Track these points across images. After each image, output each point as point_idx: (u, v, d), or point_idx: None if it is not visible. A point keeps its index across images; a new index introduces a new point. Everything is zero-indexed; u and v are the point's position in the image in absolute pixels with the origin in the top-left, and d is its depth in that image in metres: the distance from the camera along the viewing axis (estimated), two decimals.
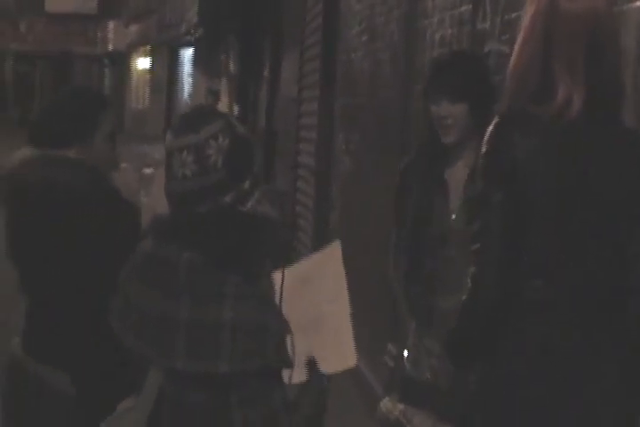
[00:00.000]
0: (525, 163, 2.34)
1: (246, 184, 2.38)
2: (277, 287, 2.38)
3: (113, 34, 39.08)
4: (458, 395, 3.28)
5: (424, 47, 5.25)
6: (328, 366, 2.50)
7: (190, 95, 24.08)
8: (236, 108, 16.27)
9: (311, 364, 2.47)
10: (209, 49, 19.88)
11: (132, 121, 32.85)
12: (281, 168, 11.82)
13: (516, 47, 2.46)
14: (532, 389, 2.37)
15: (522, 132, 2.36)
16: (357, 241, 6.49)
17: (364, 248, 6.05)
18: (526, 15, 2.47)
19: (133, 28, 33.67)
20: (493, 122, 2.41)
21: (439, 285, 3.37)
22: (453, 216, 3.37)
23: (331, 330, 2.54)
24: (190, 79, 24.97)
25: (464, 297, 2.42)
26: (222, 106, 17.28)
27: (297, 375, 2.42)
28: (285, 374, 2.40)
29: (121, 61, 37.83)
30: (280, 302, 2.38)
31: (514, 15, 3.77)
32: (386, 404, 3.50)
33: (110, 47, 39.55)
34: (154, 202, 2.64)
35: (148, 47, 31.99)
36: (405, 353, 3.48)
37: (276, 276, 2.39)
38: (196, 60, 23.48)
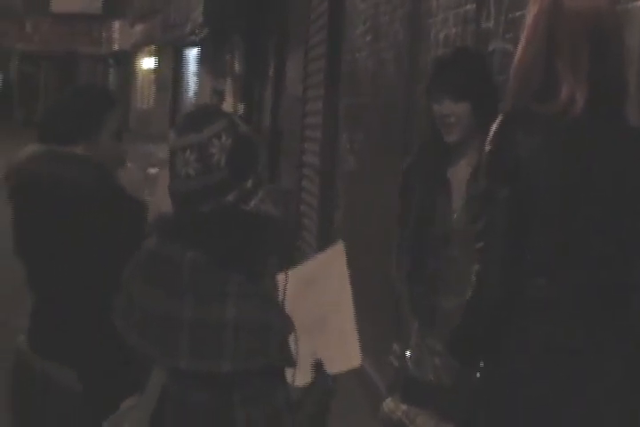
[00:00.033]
0: (529, 161, 2.34)
1: (249, 183, 2.38)
2: (281, 288, 2.38)
3: (118, 34, 39.13)
4: (461, 395, 3.28)
5: (428, 46, 5.24)
6: (333, 367, 2.50)
7: (195, 95, 24.09)
8: (241, 108, 16.27)
9: (317, 365, 2.46)
10: (214, 49, 19.89)
11: (137, 121, 32.88)
12: (286, 167, 11.83)
13: (520, 46, 2.46)
14: (536, 387, 2.37)
15: (525, 131, 2.36)
16: (361, 240, 6.49)
17: (368, 248, 6.04)
18: (530, 14, 2.47)
19: (138, 28, 33.69)
20: (497, 120, 2.41)
21: (442, 285, 3.36)
22: (455, 216, 3.36)
23: (335, 330, 2.53)
24: (195, 79, 24.99)
25: (468, 295, 2.42)
26: (227, 105, 17.29)
27: (301, 377, 2.42)
28: (289, 374, 2.39)
29: (126, 61, 37.86)
30: (283, 302, 2.37)
31: (518, 14, 3.77)
32: (389, 404, 3.50)
33: (115, 47, 39.59)
34: (158, 201, 2.64)
35: (153, 47, 32.01)
36: (408, 353, 3.48)
37: (280, 276, 2.39)
38: (201, 60, 23.49)
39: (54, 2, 40.63)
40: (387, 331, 4.49)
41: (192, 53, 25.67)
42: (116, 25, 39.31)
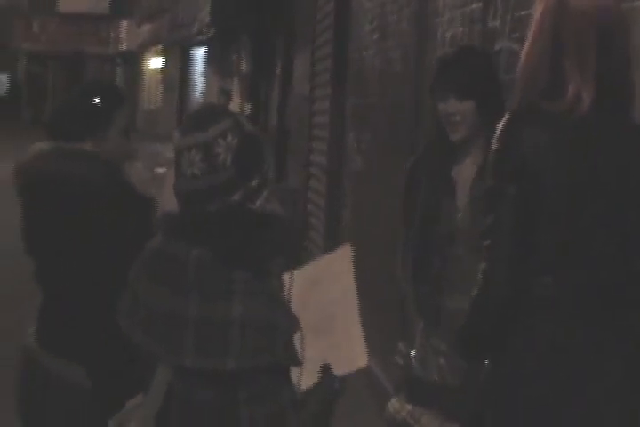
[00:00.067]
0: (536, 159, 2.34)
1: (255, 182, 2.38)
2: (287, 287, 2.38)
3: (125, 34, 39.17)
4: (466, 395, 3.27)
5: (435, 46, 5.24)
6: (339, 368, 2.50)
7: (203, 95, 24.10)
8: (248, 108, 16.28)
9: (324, 366, 2.47)
10: (221, 48, 19.90)
11: (145, 120, 32.91)
12: (293, 167, 11.83)
13: (526, 44, 2.46)
14: (541, 386, 2.37)
15: (532, 129, 2.36)
16: (368, 240, 6.49)
17: (375, 247, 6.04)
18: (536, 13, 2.47)
19: (146, 28, 33.72)
20: (504, 118, 2.41)
21: (447, 284, 3.36)
22: (460, 215, 3.35)
23: (341, 331, 2.53)
24: (202, 79, 25.00)
25: (474, 293, 2.42)
26: (234, 105, 17.30)
27: (307, 380, 2.42)
28: (295, 376, 2.39)
29: (133, 61, 37.89)
30: (289, 301, 2.38)
31: (524, 13, 3.76)
32: (394, 404, 3.49)
33: (123, 47, 39.64)
34: (165, 200, 2.64)
35: (161, 47, 32.04)
36: (413, 353, 3.48)
37: (286, 276, 2.39)
38: (209, 60, 23.51)
39: (61, 2, 40.69)
40: (393, 331, 4.49)
41: (199, 53, 25.68)
42: (124, 25, 39.35)
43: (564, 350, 2.37)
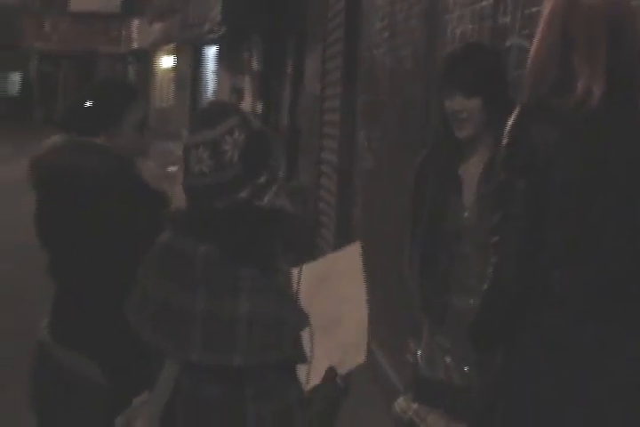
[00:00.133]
0: (546, 153, 2.34)
1: (263, 179, 2.38)
2: (295, 282, 2.38)
3: (137, 32, 39.22)
4: (472, 394, 3.27)
5: (445, 43, 5.22)
6: (342, 366, 2.50)
7: (214, 93, 24.12)
8: (259, 106, 16.29)
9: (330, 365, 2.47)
10: (232, 47, 19.91)
11: (157, 119, 32.95)
12: (304, 165, 11.83)
13: (536, 40, 2.46)
14: (548, 383, 2.37)
15: (542, 124, 2.36)
16: (379, 238, 6.48)
17: (386, 245, 6.03)
18: (545, 8, 2.46)
19: (157, 27, 33.76)
20: (514, 113, 2.41)
21: (454, 282, 3.35)
22: (467, 212, 3.35)
23: (347, 330, 2.54)
24: (214, 77, 25.02)
25: (485, 288, 2.42)
26: (246, 104, 17.31)
27: (315, 378, 2.42)
28: (302, 374, 2.40)
29: (145, 60, 37.94)
30: (297, 296, 2.38)
31: (534, 10, 3.75)
32: (400, 403, 3.49)
33: (134, 46, 39.68)
34: (177, 199, 2.64)
35: (172, 45, 32.07)
36: (419, 352, 3.47)
37: (294, 271, 2.39)
38: (220, 59, 23.52)
39: (73, 1, 40.79)
40: (404, 328, 4.49)
41: (211, 52, 25.70)
42: (135, 23, 39.40)
43: (568, 349, 2.36)
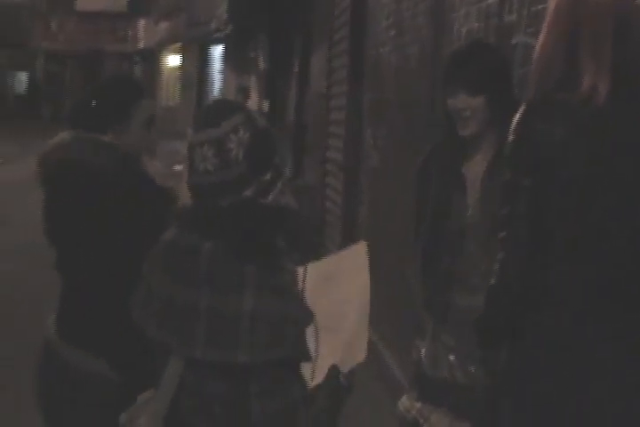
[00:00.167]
0: (551, 150, 2.33)
1: (267, 176, 2.38)
2: (300, 280, 2.38)
3: (143, 32, 39.27)
4: (475, 392, 3.27)
5: (451, 41, 5.22)
6: (344, 364, 2.51)
7: (220, 92, 24.13)
8: (265, 105, 16.30)
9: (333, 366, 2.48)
10: (238, 46, 19.91)
11: (163, 118, 32.97)
12: (310, 164, 11.83)
13: (541, 35, 2.45)
14: (548, 384, 2.36)
15: (548, 120, 2.35)
16: (385, 237, 6.47)
17: (392, 244, 6.03)
18: (551, 3, 2.46)
19: (163, 26, 33.79)
20: (520, 110, 2.40)
21: (457, 281, 3.35)
22: (470, 210, 3.34)
23: (350, 329, 2.54)
24: (220, 76, 25.03)
25: (491, 283, 2.41)
26: (252, 103, 17.32)
27: (318, 376, 2.42)
28: (307, 372, 2.39)
29: (151, 59, 37.98)
30: (302, 294, 2.38)
31: (540, 7, 3.74)
32: (404, 402, 3.49)
33: (140, 45, 39.73)
34: (184, 198, 2.65)
35: (178, 44, 32.09)
36: (423, 350, 3.46)
37: (300, 269, 2.39)
38: (226, 58, 23.53)
39: (79, 0, 40.86)
40: (409, 327, 4.48)
41: (217, 51, 25.72)
42: (141, 23, 39.44)
43: (568, 349, 2.35)
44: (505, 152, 2.44)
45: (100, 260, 3.08)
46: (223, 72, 24.36)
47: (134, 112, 3.18)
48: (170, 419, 2.43)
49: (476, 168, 3.35)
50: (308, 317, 2.35)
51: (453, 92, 3.32)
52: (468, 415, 3.29)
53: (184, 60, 31.86)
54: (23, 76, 44.19)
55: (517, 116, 2.40)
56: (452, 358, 3.36)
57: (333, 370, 2.49)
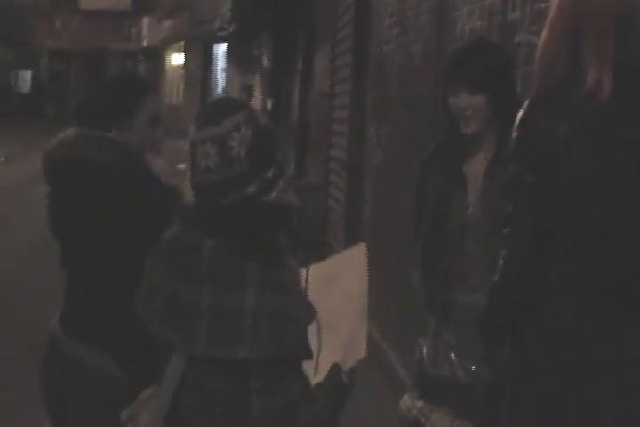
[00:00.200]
0: (556, 146, 2.33)
1: (270, 174, 2.38)
2: (302, 281, 2.39)
3: (147, 30, 39.30)
4: (477, 391, 3.27)
5: (454, 39, 5.21)
6: (345, 362, 2.52)
7: (224, 90, 24.14)
8: (269, 103, 16.30)
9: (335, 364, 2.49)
10: (242, 44, 19.92)
11: (167, 116, 32.94)
12: (313, 162, 11.83)
13: (544, 31, 2.45)
14: (548, 384, 2.36)
15: (552, 116, 2.35)
16: (388, 235, 6.47)
17: (396, 242, 6.03)
18: (554, 1, 2.45)
19: (167, 24, 33.81)
20: (524, 106, 2.40)
21: (458, 280, 3.35)
22: (470, 209, 3.34)
23: (349, 328, 2.55)
24: (224, 74, 25.04)
25: (495, 279, 2.41)
26: (256, 101, 17.32)
27: (320, 374, 2.43)
28: (309, 370, 2.40)
29: (155, 57, 38.00)
30: (305, 293, 2.38)
31: (544, 5, 3.74)
32: (405, 401, 3.49)
33: (144, 43, 39.77)
34: (188, 195, 2.65)
35: (182, 43, 32.11)
36: (424, 349, 3.46)
37: (302, 271, 2.40)
38: (230, 56, 23.53)
39: None
40: (412, 326, 4.48)
41: (220, 49, 25.73)
42: (145, 21, 39.48)
43: (568, 349, 2.35)
44: (509, 149, 2.44)
45: (103, 256, 3.09)
46: (227, 70, 24.37)
47: (138, 110, 3.18)
48: (170, 416, 2.43)
49: (476, 167, 3.35)
50: (310, 314, 2.35)
51: (455, 90, 3.31)
52: (469, 414, 3.29)
53: (188, 58, 31.88)
54: (27, 75, 44.22)
55: (521, 112, 2.40)
56: (453, 356, 3.36)
57: (335, 368, 2.50)
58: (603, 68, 2.34)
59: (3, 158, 22.56)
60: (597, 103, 2.33)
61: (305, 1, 12.68)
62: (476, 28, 4.82)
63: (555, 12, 2.44)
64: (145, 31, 39.92)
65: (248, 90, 19.23)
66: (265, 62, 17.46)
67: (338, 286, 2.57)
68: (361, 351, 2.58)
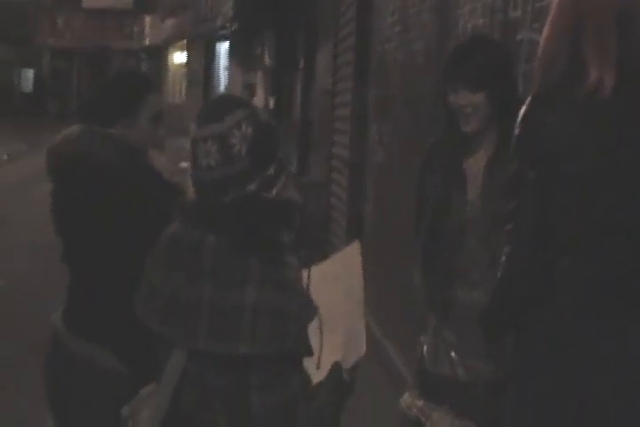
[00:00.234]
0: (558, 142, 2.33)
1: (271, 171, 2.38)
2: (304, 282, 2.39)
3: (149, 28, 39.32)
4: (477, 389, 3.27)
5: (456, 37, 5.21)
6: (345, 360, 2.52)
7: (226, 89, 24.14)
8: (271, 101, 16.30)
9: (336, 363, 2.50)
10: (244, 43, 19.92)
11: (169, 115, 32.96)
12: (315, 160, 11.83)
13: (546, 29, 2.44)
14: (549, 381, 2.36)
15: (554, 114, 2.35)
16: (391, 233, 6.47)
17: (398, 240, 6.03)
18: None
19: (169, 23, 33.82)
20: (526, 103, 2.40)
21: (458, 278, 3.35)
22: (470, 206, 3.33)
23: (348, 326, 2.56)
24: (226, 73, 25.05)
25: (498, 275, 2.41)
26: (258, 99, 17.33)
27: (321, 372, 2.44)
28: (310, 369, 2.40)
29: (157, 56, 38.02)
30: (308, 291, 2.38)
31: (545, 3, 3.74)
32: (406, 400, 3.48)
33: (147, 42, 39.78)
34: (190, 193, 2.65)
35: (185, 41, 32.12)
36: (425, 348, 3.46)
37: (304, 273, 2.41)
38: (232, 54, 23.54)
39: None
40: (414, 325, 4.48)
41: (223, 47, 25.73)
42: (147, 20, 39.50)
43: (570, 345, 2.35)
44: (511, 145, 2.44)
45: (105, 254, 3.09)
46: (229, 69, 24.38)
47: (142, 107, 3.18)
48: (171, 412, 2.43)
49: (477, 164, 3.34)
50: (310, 312, 2.35)
51: (454, 88, 3.30)
52: (469, 412, 3.29)
53: (190, 57, 31.89)
54: (30, 74, 44.24)
55: (523, 109, 2.40)
56: (453, 354, 3.36)
57: (336, 367, 2.50)
58: (604, 65, 2.33)
59: (5, 157, 22.57)
60: (599, 100, 2.33)
61: None
62: (478, 26, 4.82)
63: (556, 10, 2.43)
64: (147, 30, 39.94)
65: (250, 88, 19.24)
66: (267, 60, 17.46)
67: (336, 286, 2.58)
68: (361, 349, 2.58)
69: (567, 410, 2.35)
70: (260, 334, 2.29)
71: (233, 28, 19.57)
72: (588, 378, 2.33)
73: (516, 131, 2.40)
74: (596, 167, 2.33)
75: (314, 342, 2.41)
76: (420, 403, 3.41)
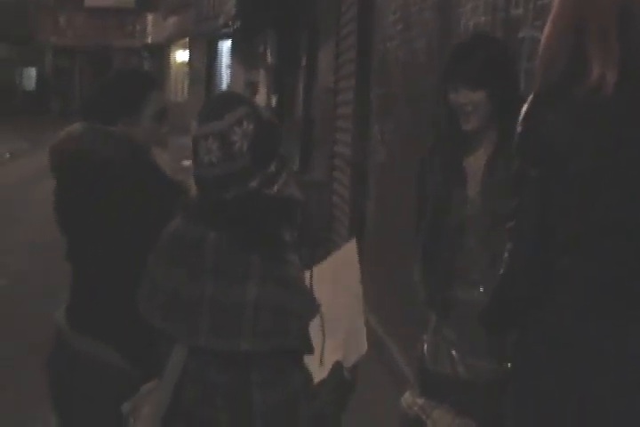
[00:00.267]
0: (560, 141, 2.33)
1: (272, 167, 2.38)
2: (307, 281, 2.40)
3: (151, 27, 39.33)
4: (477, 388, 3.27)
5: (458, 35, 5.21)
6: (347, 359, 2.53)
7: (229, 87, 24.15)
8: (273, 100, 16.31)
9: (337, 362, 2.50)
10: (247, 41, 19.92)
11: (171, 113, 32.96)
12: (318, 158, 11.83)
13: (547, 27, 2.44)
14: (549, 381, 2.36)
15: (555, 112, 2.34)
16: (392, 232, 6.47)
17: (400, 239, 6.02)
18: None
19: (172, 21, 33.83)
20: (528, 101, 2.40)
21: (458, 276, 3.35)
22: (470, 205, 3.33)
23: (348, 325, 2.57)
24: (228, 71, 25.06)
25: (501, 272, 2.41)
26: (260, 97, 17.33)
27: (321, 371, 2.44)
28: (312, 368, 2.40)
29: (160, 54, 38.02)
30: (311, 289, 2.39)
31: (546, 1, 3.73)
32: (406, 398, 3.48)
33: (149, 40, 39.79)
34: (193, 191, 2.66)
35: (187, 40, 32.12)
36: (425, 346, 3.46)
37: (307, 275, 2.41)
38: (234, 52, 23.54)
39: None
40: (416, 324, 4.48)
41: (225, 46, 25.74)
42: (149, 18, 39.51)
43: (570, 345, 2.34)
44: (513, 143, 2.44)
45: (108, 251, 3.10)
46: (231, 67, 24.38)
47: (145, 105, 3.19)
48: (172, 410, 2.43)
49: (477, 162, 3.34)
50: (312, 310, 2.35)
51: (455, 86, 3.30)
52: (469, 411, 3.29)
53: (192, 55, 31.90)
54: (32, 72, 44.27)
55: (525, 106, 2.40)
56: (453, 353, 3.36)
57: (337, 366, 2.51)
58: (607, 62, 2.33)
59: (7, 155, 22.59)
60: (600, 99, 2.32)
61: None
62: (480, 24, 4.81)
63: (557, 8, 2.43)
64: (149, 28, 39.95)
65: (252, 86, 19.25)
66: (269, 59, 17.46)
67: (336, 286, 2.59)
68: (362, 347, 2.59)
69: (567, 410, 2.35)
70: (262, 330, 2.29)
71: (235, 27, 19.56)
72: (587, 378, 2.33)
73: (518, 129, 2.40)
74: (596, 167, 2.33)
75: (315, 340, 2.41)
76: (420, 401, 3.41)
